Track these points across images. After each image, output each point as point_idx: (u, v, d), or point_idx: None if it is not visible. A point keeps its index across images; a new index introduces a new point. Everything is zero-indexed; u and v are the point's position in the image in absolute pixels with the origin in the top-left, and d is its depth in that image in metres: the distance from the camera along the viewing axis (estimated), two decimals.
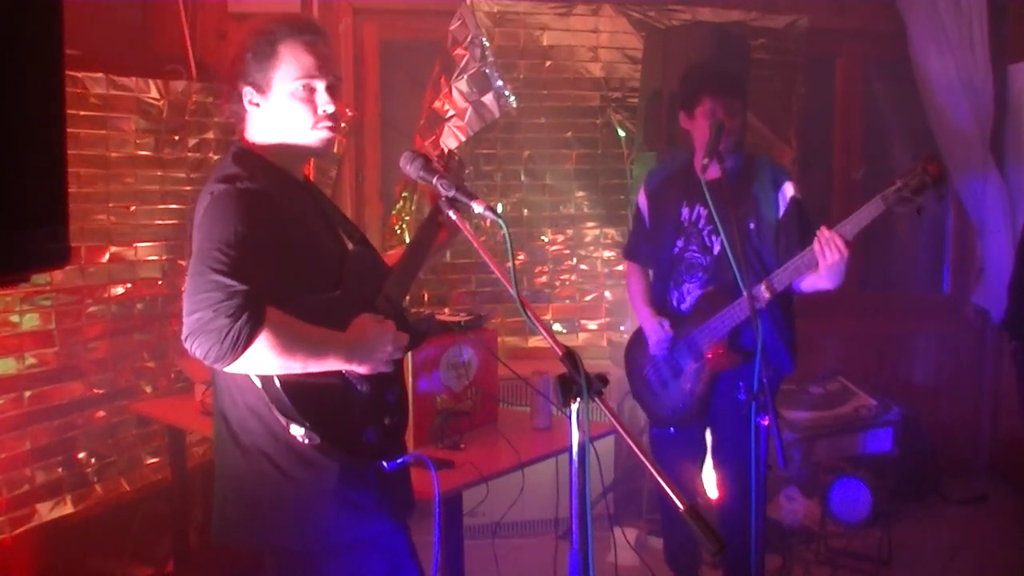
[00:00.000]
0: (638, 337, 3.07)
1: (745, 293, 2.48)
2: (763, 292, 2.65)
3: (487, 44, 3.92)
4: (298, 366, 1.69)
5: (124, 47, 3.55)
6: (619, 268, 4.29)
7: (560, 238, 4.35)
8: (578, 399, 1.53)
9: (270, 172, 1.82)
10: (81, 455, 3.28)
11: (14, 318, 3.04)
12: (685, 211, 2.92)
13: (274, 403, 1.72)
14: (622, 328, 4.23)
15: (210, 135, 3.67)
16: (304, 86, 1.81)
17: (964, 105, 4.34)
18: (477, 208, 1.74)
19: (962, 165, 4.41)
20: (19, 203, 1.04)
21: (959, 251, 4.89)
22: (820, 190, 4.70)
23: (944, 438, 4.52)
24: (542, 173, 4.29)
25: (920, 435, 4.27)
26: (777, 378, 2.87)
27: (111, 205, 3.35)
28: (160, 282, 3.53)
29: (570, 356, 1.55)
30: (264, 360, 1.65)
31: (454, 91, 3.93)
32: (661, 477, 1.45)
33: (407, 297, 2.04)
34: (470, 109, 3.94)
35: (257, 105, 1.83)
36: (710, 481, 3.00)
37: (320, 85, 1.82)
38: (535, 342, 4.25)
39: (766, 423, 2.33)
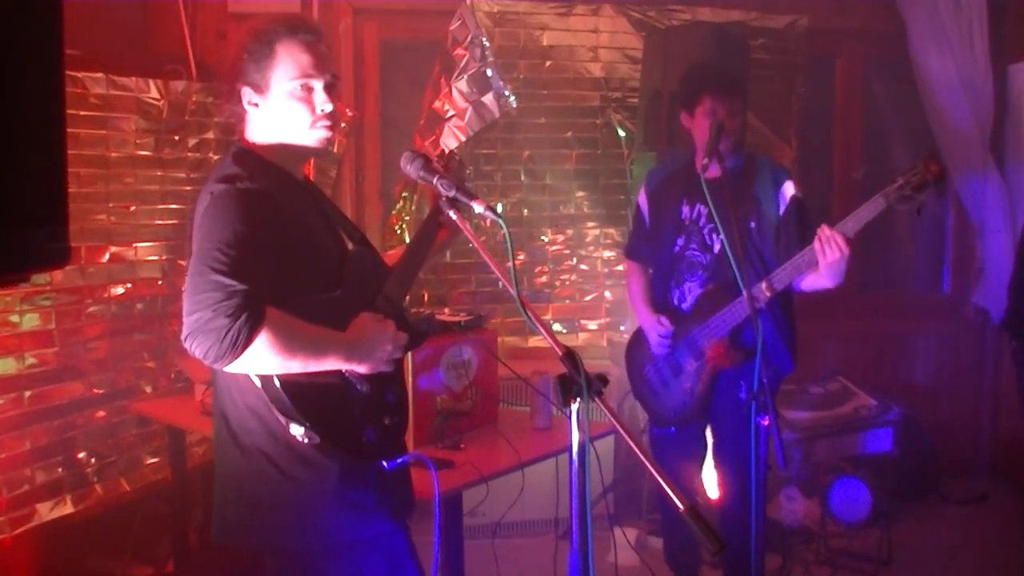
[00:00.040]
0: (638, 336, 3.07)
1: (745, 292, 2.48)
2: (763, 291, 2.65)
3: (487, 44, 3.92)
4: (298, 365, 1.69)
5: (124, 47, 3.55)
6: (619, 268, 4.29)
7: (560, 238, 4.35)
8: (578, 399, 1.53)
9: (270, 172, 1.82)
10: (81, 455, 3.28)
11: (14, 318, 3.04)
12: (686, 209, 2.92)
13: (274, 403, 1.72)
14: (622, 328, 4.23)
15: (210, 135, 3.67)
16: (302, 85, 1.81)
17: (964, 105, 4.34)
18: (477, 208, 1.74)
19: (962, 165, 4.41)
20: (19, 203, 1.04)
21: (959, 251, 4.89)
22: (820, 190, 4.70)
23: (944, 438, 4.52)
24: (542, 173, 4.29)
25: (920, 435, 4.27)
26: (777, 378, 2.87)
27: (111, 205, 3.35)
28: (160, 282, 3.53)
29: (570, 356, 1.55)
30: (264, 360, 1.65)
31: (454, 91, 3.93)
32: (661, 477, 1.45)
33: (407, 297, 2.04)
34: (470, 109, 3.94)
35: (256, 105, 1.83)
36: (710, 481, 3.00)
37: (318, 84, 1.82)
38: (535, 342, 4.25)
39: (766, 423, 2.33)
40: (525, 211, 4.30)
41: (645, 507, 3.92)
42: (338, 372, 1.78)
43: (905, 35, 4.42)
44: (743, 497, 2.60)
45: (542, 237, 4.33)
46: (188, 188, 3.59)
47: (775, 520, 3.75)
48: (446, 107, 3.95)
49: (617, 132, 4.26)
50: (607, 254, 4.36)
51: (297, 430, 1.72)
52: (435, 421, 2.69)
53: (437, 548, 1.87)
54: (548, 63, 4.19)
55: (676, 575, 3.16)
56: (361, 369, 1.79)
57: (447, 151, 3.83)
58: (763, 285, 2.65)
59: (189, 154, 3.61)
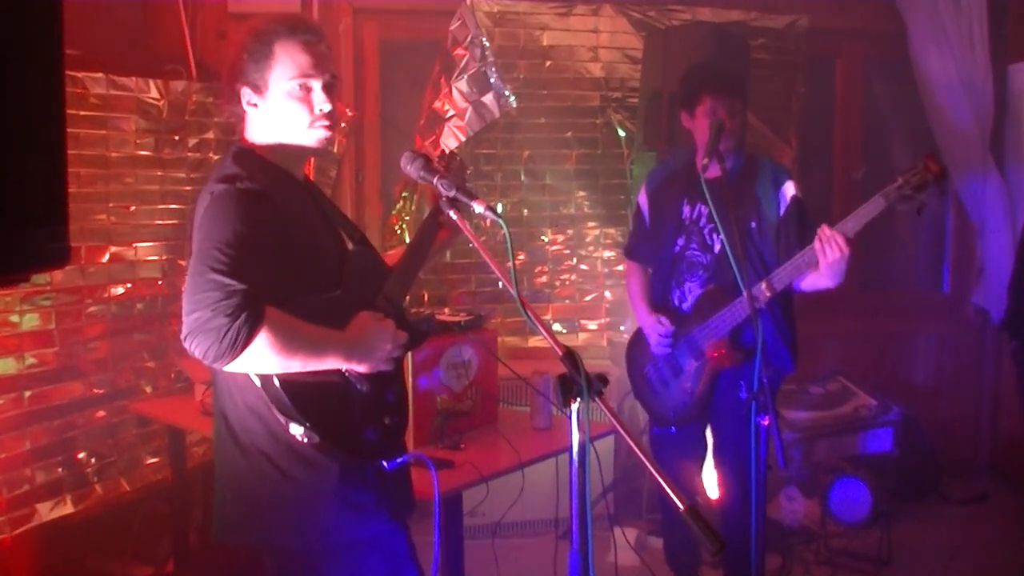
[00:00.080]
0: (639, 336, 3.07)
1: (745, 292, 2.48)
2: (763, 291, 2.65)
3: (487, 44, 3.92)
4: (298, 364, 1.70)
5: (124, 47, 3.55)
6: (619, 268, 4.29)
7: (560, 238, 4.35)
8: (578, 399, 1.53)
9: (270, 172, 1.82)
10: (81, 455, 3.28)
11: (14, 318, 3.04)
12: (686, 209, 2.93)
13: (273, 402, 1.72)
14: (622, 328, 4.23)
15: (210, 135, 3.67)
16: (300, 85, 1.81)
17: (964, 105, 4.34)
18: (477, 208, 1.74)
19: (962, 165, 4.41)
20: (19, 203, 1.04)
21: (959, 251, 4.89)
22: (820, 190, 4.70)
23: (944, 438, 4.52)
24: (542, 173, 4.29)
25: (920, 435, 4.27)
26: (778, 378, 2.88)
27: (111, 205, 3.34)
28: (160, 282, 3.53)
29: (570, 356, 1.55)
30: (263, 359, 1.65)
31: (454, 91, 3.93)
32: (661, 477, 1.45)
33: (407, 297, 2.04)
34: (470, 109, 3.94)
35: (255, 105, 1.83)
36: (710, 481, 3.00)
37: (316, 84, 1.82)
38: (535, 342, 4.25)
39: (766, 423, 2.33)
40: (525, 211, 4.30)
41: (645, 507, 3.92)
42: (338, 371, 1.78)
43: (905, 35, 4.42)
44: (743, 497, 2.61)
45: (542, 237, 4.33)
46: (188, 188, 3.59)
47: (775, 520, 3.75)
48: (446, 107, 3.95)
49: (617, 132, 4.26)
50: (607, 254, 4.36)
51: (297, 430, 1.72)
52: (435, 421, 2.69)
53: (437, 548, 1.87)
54: (548, 63, 4.19)
55: (676, 575, 3.16)
56: (361, 368, 1.79)
57: (448, 151, 3.83)
58: (763, 285, 2.65)
59: (189, 154, 3.61)
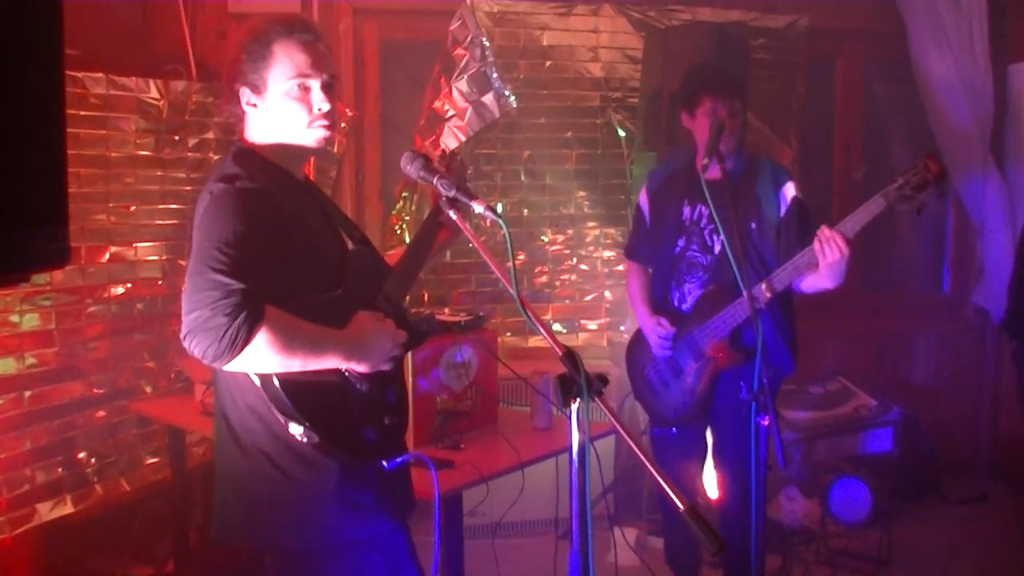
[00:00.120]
0: (639, 337, 3.07)
1: (745, 293, 2.48)
2: (763, 292, 2.65)
3: (487, 44, 3.92)
4: (297, 364, 1.69)
5: (124, 47, 3.55)
6: (619, 268, 4.29)
7: (560, 238, 4.35)
8: (578, 399, 1.53)
9: (270, 172, 1.82)
10: (81, 455, 3.28)
11: (14, 318, 3.04)
12: (687, 210, 2.92)
13: (273, 402, 1.72)
14: (622, 328, 4.23)
15: (210, 135, 3.67)
16: (299, 85, 1.81)
17: (964, 105, 4.34)
18: (477, 208, 1.74)
19: (962, 165, 4.41)
20: (19, 203, 1.04)
21: (959, 251, 4.89)
22: (820, 190, 4.70)
23: (944, 438, 4.52)
24: (542, 173, 4.29)
25: (920, 435, 4.27)
26: (778, 378, 2.87)
27: (111, 205, 3.34)
28: (160, 282, 3.53)
29: (570, 356, 1.55)
30: (263, 358, 1.65)
31: (454, 91, 3.93)
32: (661, 477, 1.45)
33: (407, 297, 2.04)
34: (470, 109, 3.94)
35: (254, 106, 1.83)
36: (711, 481, 3.00)
37: (315, 84, 1.82)
38: (535, 342, 4.25)
39: (766, 423, 2.33)
40: (525, 211, 4.30)
41: (645, 507, 3.92)
42: (338, 371, 1.78)
43: (905, 35, 4.42)
44: (743, 497, 2.61)
45: (542, 237, 4.33)
46: (188, 188, 3.59)
47: (775, 520, 3.75)
48: (446, 107, 3.95)
49: (617, 132, 4.26)
50: (607, 254, 4.36)
51: (296, 429, 1.72)
52: (435, 421, 2.69)
53: (437, 548, 1.87)
54: (548, 63, 4.19)
55: (676, 575, 3.16)
56: (360, 367, 1.79)
57: (449, 151, 3.83)
58: (763, 286, 2.65)
59: (189, 154, 3.61)
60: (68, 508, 3.21)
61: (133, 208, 3.42)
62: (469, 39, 3.93)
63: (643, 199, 3.11)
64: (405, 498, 1.98)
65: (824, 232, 2.49)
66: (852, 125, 4.78)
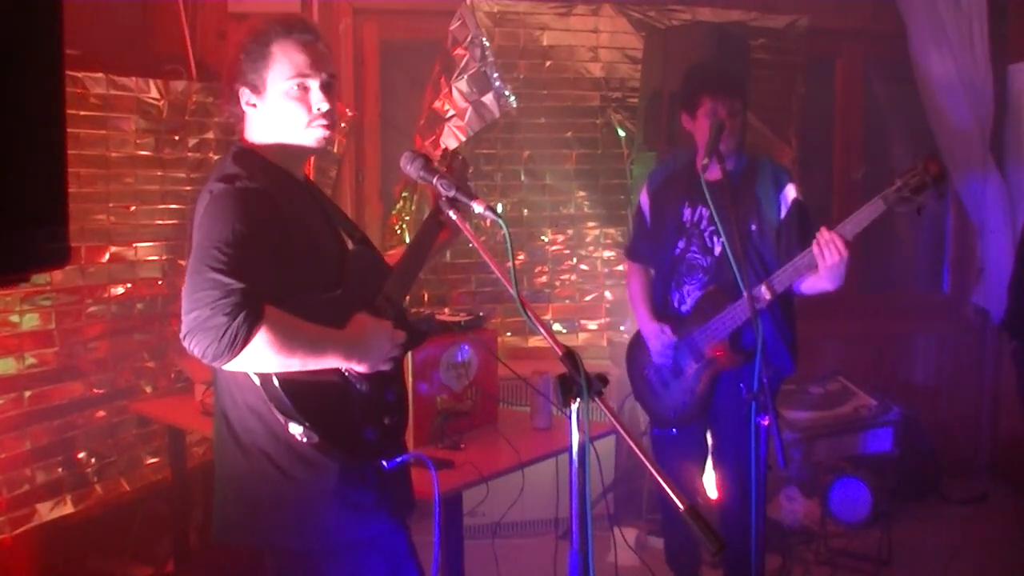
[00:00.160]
0: (639, 338, 3.07)
1: (745, 294, 2.48)
2: (763, 293, 2.65)
3: (487, 44, 3.92)
4: (297, 363, 1.69)
5: (124, 47, 3.55)
6: (619, 268, 4.29)
7: (560, 238, 4.35)
8: (578, 399, 1.53)
9: (270, 172, 1.82)
10: (81, 455, 3.28)
11: (14, 318, 3.04)
12: (687, 212, 2.92)
13: (272, 402, 1.72)
14: (622, 328, 4.23)
15: (210, 135, 3.67)
16: (297, 85, 1.81)
17: (964, 105, 4.34)
18: (477, 208, 1.74)
19: (962, 165, 4.41)
20: (19, 203, 1.04)
21: (959, 251, 4.89)
22: (820, 190, 4.70)
23: (944, 438, 4.52)
24: (542, 173, 4.29)
25: (920, 435, 4.27)
26: (778, 379, 2.87)
27: (111, 205, 3.34)
28: (160, 282, 3.53)
29: (570, 356, 1.55)
30: (263, 358, 1.65)
31: (454, 91, 3.93)
32: (661, 477, 1.45)
33: (407, 297, 2.04)
34: (470, 109, 3.94)
35: (254, 106, 1.83)
36: (711, 482, 3.00)
37: (314, 84, 1.82)
38: (535, 342, 4.25)
39: (766, 423, 2.33)
40: (525, 211, 4.30)
41: (645, 507, 3.92)
42: (337, 371, 1.78)
43: (905, 35, 4.42)
44: (743, 497, 2.61)
45: (542, 237, 4.33)
46: (188, 188, 3.59)
47: (775, 520, 3.75)
48: (446, 107, 3.95)
49: (617, 132, 4.26)
50: (607, 254, 4.36)
51: (296, 429, 1.72)
52: (435, 421, 2.69)
53: (437, 548, 1.87)
54: (548, 63, 4.19)
55: (676, 575, 3.16)
56: (360, 368, 1.79)
57: (450, 149, 3.82)
58: (763, 287, 2.65)
59: (189, 154, 3.61)
60: (68, 508, 3.21)
61: (133, 208, 3.42)
62: (469, 39, 3.93)
63: (644, 199, 3.11)
64: (405, 498, 1.98)
65: (823, 235, 2.49)
66: (852, 125, 4.78)
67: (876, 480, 3.87)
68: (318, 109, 1.82)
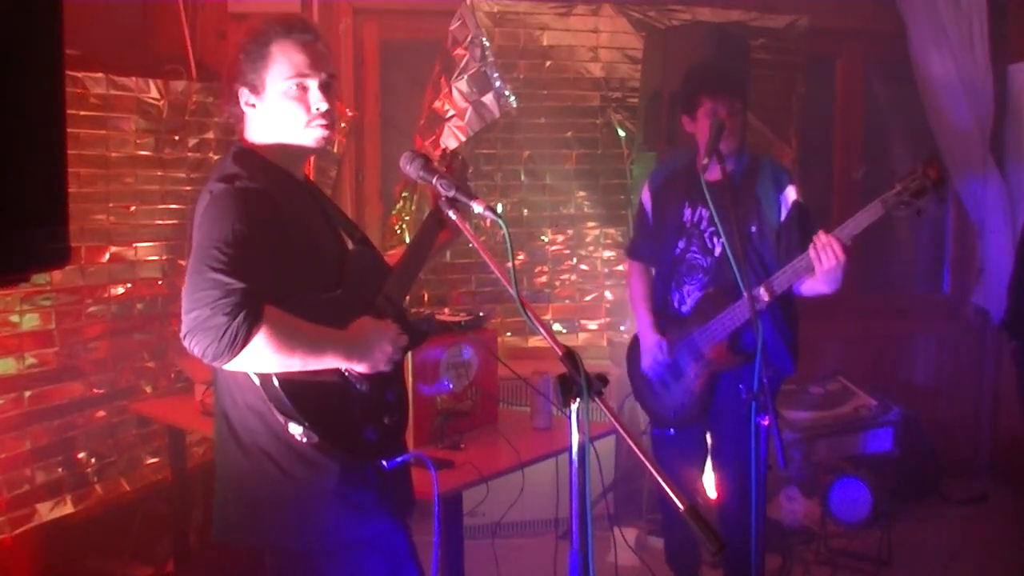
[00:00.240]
0: (639, 339, 3.07)
1: (745, 294, 2.48)
2: (762, 295, 2.65)
3: (487, 44, 3.92)
4: (297, 363, 1.70)
5: (124, 47, 3.55)
6: (619, 268, 4.29)
7: (560, 238, 4.35)
8: (578, 399, 1.53)
9: (270, 172, 1.82)
10: (81, 455, 3.28)
11: (14, 318, 3.04)
12: (687, 212, 2.92)
13: (272, 402, 1.72)
14: (622, 328, 4.23)
15: (210, 135, 3.67)
16: (296, 85, 1.81)
17: (964, 105, 4.34)
18: (477, 208, 1.74)
19: (962, 165, 4.41)
20: (19, 203, 1.04)
21: (959, 251, 4.89)
22: (820, 190, 4.70)
23: (944, 438, 4.52)
24: (542, 173, 4.29)
25: (920, 435, 4.27)
26: (778, 379, 2.87)
27: (111, 205, 3.34)
28: (160, 282, 3.53)
29: (570, 356, 1.55)
30: (263, 357, 1.65)
31: (454, 91, 3.93)
32: (661, 477, 1.45)
33: (407, 297, 2.04)
34: (470, 109, 3.94)
35: (253, 106, 1.83)
36: (711, 482, 3.00)
37: (313, 83, 1.82)
38: (535, 342, 4.25)
39: (766, 423, 2.33)
40: (525, 211, 4.30)
41: (645, 507, 3.92)
42: (337, 371, 1.78)
43: (905, 35, 4.42)
44: (743, 497, 2.60)
45: (542, 237, 4.33)
46: (188, 188, 3.59)
47: (775, 520, 3.75)
48: (446, 107, 3.95)
49: (617, 132, 4.26)
50: (607, 254, 4.36)
51: (296, 429, 1.72)
52: (435, 421, 2.69)
53: (437, 548, 1.87)
54: (548, 63, 4.19)
55: (676, 575, 3.16)
56: (360, 368, 1.79)
57: (450, 150, 3.83)
58: (762, 288, 2.65)
59: (189, 154, 3.61)
60: (68, 508, 3.21)
61: (133, 208, 3.42)
62: (469, 39, 3.93)
63: (646, 197, 3.10)
64: (405, 498, 1.98)
65: (820, 238, 2.49)
66: (852, 125, 4.78)
67: (876, 480, 3.87)
68: (317, 109, 1.82)
